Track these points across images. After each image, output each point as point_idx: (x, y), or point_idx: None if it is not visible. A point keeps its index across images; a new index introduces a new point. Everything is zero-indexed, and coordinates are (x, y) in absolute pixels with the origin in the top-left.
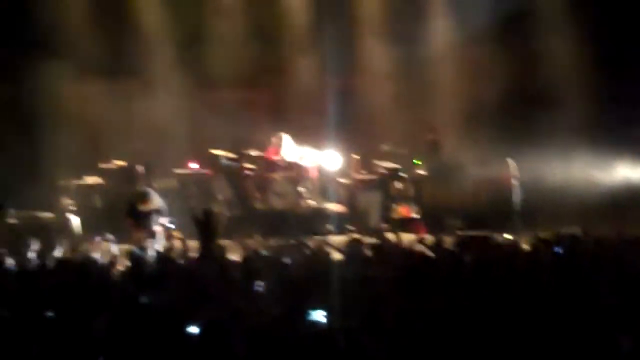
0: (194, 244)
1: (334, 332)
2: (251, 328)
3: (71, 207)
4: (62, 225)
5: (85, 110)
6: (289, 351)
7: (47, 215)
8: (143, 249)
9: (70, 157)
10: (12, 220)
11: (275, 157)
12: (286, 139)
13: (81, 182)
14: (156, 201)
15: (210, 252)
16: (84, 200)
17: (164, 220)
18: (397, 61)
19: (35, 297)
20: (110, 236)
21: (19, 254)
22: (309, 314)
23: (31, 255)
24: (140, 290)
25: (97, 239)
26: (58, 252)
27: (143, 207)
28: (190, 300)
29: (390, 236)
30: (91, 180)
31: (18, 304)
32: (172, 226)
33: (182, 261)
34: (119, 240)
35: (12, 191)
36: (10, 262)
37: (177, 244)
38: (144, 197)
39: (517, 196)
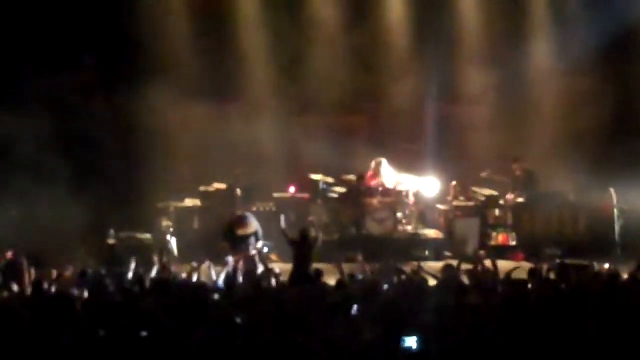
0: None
1: (427, 358)
2: (344, 352)
3: (170, 229)
4: (161, 246)
5: (186, 133)
6: None
7: (146, 236)
8: (237, 271)
9: (170, 180)
10: (111, 241)
11: (373, 183)
12: (385, 165)
13: (180, 204)
14: (254, 225)
15: (305, 275)
16: (183, 222)
17: (260, 244)
18: (496, 87)
19: (132, 316)
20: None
21: (118, 274)
22: (402, 340)
23: (130, 275)
24: (234, 311)
25: (195, 263)
26: (155, 273)
27: (241, 232)
28: (281, 322)
29: (487, 263)
30: (190, 202)
31: (115, 324)
32: (266, 250)
33: (275, 284)
34: (215, 262)
35: (113, 212)
36: (109, 282)
37: (273, 266)
38: (242, 222)
39: (617, 225)
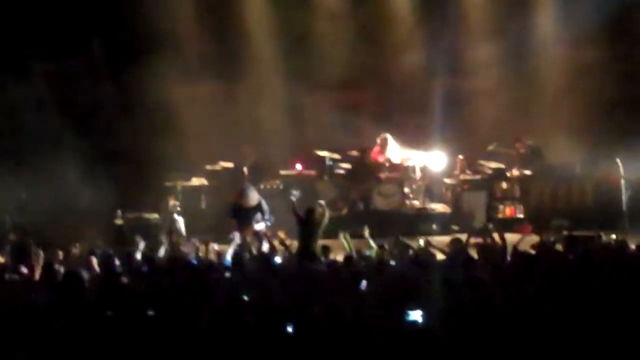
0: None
1: (431, 332)
2: (350, 327)
3: (177, 208)
4: (168, 225)
5: (192, 112)
6: (386, 350)
7: (154, 216)
8: (244, 248)
9: (177, 159)
10: (119, 222)
11: (380, 158)
12: (391, 140)
13: (187, 183)
14: (255, 197)
15: (310, 252)
16: (190, 201)
17: (266, 219)
18: (502, 61)
19: (140, 296)
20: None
21: (126, 254)
22: (407, 314)
23: (138, 255)
24: (242, 288)
25: (195, 241)
26: (162, 252)
27: (243, 204)
28: (289, 299)
29: (495, 236)
30: (197, 181)
31: (123, 304)
32: (269, 223)
33: (283, 261)
34: (222, 240)
35: (120, 192)
36: (116, 262)
37: (280, 243)
38: (242, 194)
39: (624, 196)
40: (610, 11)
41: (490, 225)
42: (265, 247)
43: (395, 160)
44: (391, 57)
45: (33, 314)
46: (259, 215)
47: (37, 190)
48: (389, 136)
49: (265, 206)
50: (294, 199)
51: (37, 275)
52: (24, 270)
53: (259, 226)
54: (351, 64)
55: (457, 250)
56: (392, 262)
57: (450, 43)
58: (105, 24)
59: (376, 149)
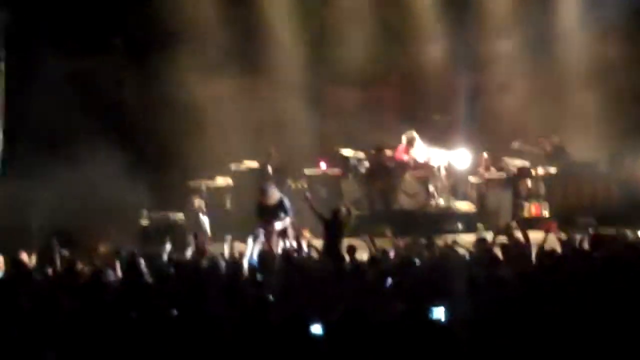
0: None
1: (455, 329)
2: (375, 325)
3: (202, 208)
4: (193, 226)
5: (215, 110)
6: (410, 347)
7: (179, 216)
8: (268, 247)
9: (201, 158)
10: (144, 222)
11: (404, 156)
12: (416, 138)
13: (212, 183)
14: (275, 195)
15: (336, 251)
16: (215, 201)
17: (289, 218)
18: (525, 56)
19: (165, 298)
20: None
21: (153, 255)
22: (430, 311)
23: (165, 256)
24: (267, 288)
25: (228, 237)
26: (188, 253)
27: (263, 202)
28: (315, 298)
29: (520, 235)
30: (222, 181)
31: (147, 304)
32: (290, 219)
33: (307, 260)
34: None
35: (144, 191)
36: (142, 262)
37: (305, 243)
38: (262, 193)
39: None
40: (637, 1)
41: (515, 224)
42: (290, 245)
43: (420, 158)
44: (414, 53)
45: (59, 315)
46: (281, 214)
47: (62, 190)
48: (415, 134)
49: (287, 204)
50: (309, 195)
51: (62, 275)
52: (50, 270)
53: (282, 224)
54: (375, 59)
55: (482, 249)
56: (417, 261)
57: (473, 37)
58: (126, 23)
59: (401, 147)
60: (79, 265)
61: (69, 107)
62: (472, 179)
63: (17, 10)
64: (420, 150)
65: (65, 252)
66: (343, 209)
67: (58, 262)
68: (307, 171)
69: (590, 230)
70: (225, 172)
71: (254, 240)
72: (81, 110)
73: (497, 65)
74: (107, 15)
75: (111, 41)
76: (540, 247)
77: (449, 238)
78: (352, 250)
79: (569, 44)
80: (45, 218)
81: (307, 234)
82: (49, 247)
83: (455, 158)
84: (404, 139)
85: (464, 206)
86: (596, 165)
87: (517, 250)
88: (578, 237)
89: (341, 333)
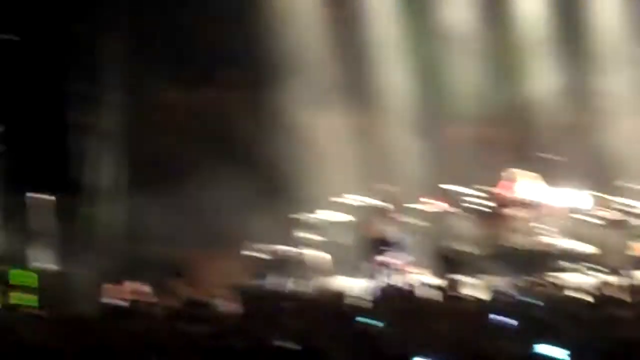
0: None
1: None
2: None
3: (316, 243)
4: (310, 261)
5: (326, 143)
6: None
7: (293, 250)
8: (383, 282)
9: (314, 191)
10: (251, 253)
11: (507, 194)
12: (520, 176)
13: (319, 216)
14: (386, 230)
15: (456, 289)
16: (330, 236)
17: (403, 254)
18: (632, 91)
19: (274, 328)
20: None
21: (273, 290)
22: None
23: (286, 290)
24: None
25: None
26: (310, 287)
27: (375, 236)
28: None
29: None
30: (336, 215)
31: (259, 336)
32: (404, 256)
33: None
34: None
35: (260, 224)
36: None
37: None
38: (373, 227)
39: None
40: None
41: (628, 264)
42: (402, 280)
43: (528, 196)
44: (525, 93)
45: (171, 345)
46: (394, 249)
47: (179, 220)
48: (517, 171)
49: (398, 239)
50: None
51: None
52: (164, 301)
53: (395, 259)
54: (485, 98)
55: (601, 289)
56: (528, 299)
57: (582, 74)
58: (236, 52)
59: (505, 184)
60: (197, 297)
61: (186, 139)
62: (586, 218)
63: (135, 44)
64: (526, 188)
65: (180, 283)
66: (455, 246)
67: (177, 293)
68: (418, 207)
69: None
70: (339, 207)
71: (371, 276)
72: (192, 140)
73: (603, 101)
74: (217, 45)
75: (221, 70)
76: None
77: (566, 278)
78: (456, 284)
79: None
80: (161, 248)
81: (417, 269)
82: (167, 277)
83: (567, 197)
84: (510, 176)
85: (578, 246)
86: None
87: (634, 290)
88: None
89: None
